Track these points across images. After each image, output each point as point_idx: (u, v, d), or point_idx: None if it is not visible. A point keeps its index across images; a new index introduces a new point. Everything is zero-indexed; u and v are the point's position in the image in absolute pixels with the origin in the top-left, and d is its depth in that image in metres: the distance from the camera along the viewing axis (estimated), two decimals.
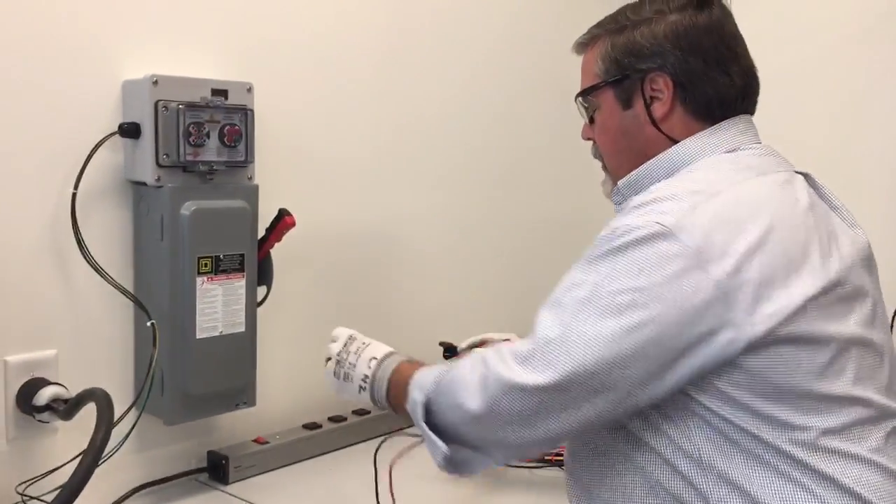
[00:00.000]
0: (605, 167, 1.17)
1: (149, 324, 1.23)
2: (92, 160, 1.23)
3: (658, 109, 1.06)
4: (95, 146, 1.23)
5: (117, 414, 1.16)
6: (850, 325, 0.96)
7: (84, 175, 1.22)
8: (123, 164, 1.29)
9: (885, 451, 0.96)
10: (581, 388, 0.92)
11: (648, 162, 1.08)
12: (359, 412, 1.63)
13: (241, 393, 1.38)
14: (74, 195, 1.22)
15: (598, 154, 1.17)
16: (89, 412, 1.08)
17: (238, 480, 1.42)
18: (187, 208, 1.26)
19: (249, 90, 1.35)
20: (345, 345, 1.24)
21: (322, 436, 1.57)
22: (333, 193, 1.62)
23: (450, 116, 1.82)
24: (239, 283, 1.34)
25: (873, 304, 1.02)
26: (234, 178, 1.35)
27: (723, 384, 0.93)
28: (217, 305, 1.31)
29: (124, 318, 1.32)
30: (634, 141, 1.09)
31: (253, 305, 1.37)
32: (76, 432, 1.15)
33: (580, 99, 1.15)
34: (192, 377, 1.29)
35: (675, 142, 1.07)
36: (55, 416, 1.16)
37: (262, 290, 1.40)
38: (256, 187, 1.37)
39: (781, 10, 1.94)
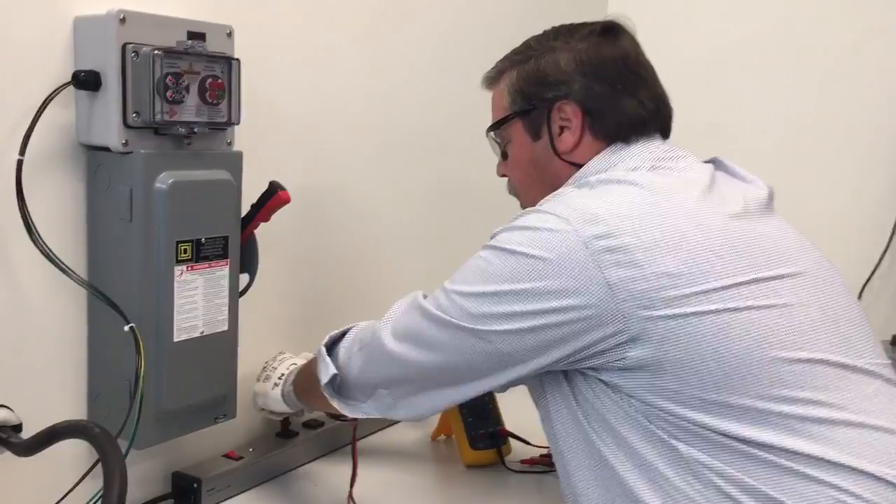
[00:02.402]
0: (522, 204, 1.12)
1: (127, 328, 0.97)
2: (42, 118, 0.96)
3: (568, 139, 1.03)
4: (46, 100, 0.96)
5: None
6: None
7: (30, 137, 0.95)
8: (76, 124, 1.02)
9: None
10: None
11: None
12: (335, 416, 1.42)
13: (221, 404, 1.15)
14: (20, 163, 0.94)
15: (513, 190, 1.15)
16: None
17: None
18: (164, 181, 1.01)
19: (230, 34, 1.10)
20: (276, 356, 1.29)
21: (300, 445, 1.35)
22: (319, 162, 1.39)
23: (463, 70, 1.61)
24: (222, 272, 1.10)
25: None
26: (212, 144, 1.10)
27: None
28: (197, 300, 1.07)
29: (76, 316, 1.05)
30: (545, 172, 1.06)
31: (235, 296, 1.13)
32: (31, 462, 0.90)
33: (492, 134, 1.13)
34: (167, 389, 1.05)
35: None
36: (3, 449, 0.89)
37: (243, 280, 1.17)
38: (240, 155, 1.12)
39: None
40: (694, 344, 0.85)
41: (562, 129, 1.03)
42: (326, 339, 1.11)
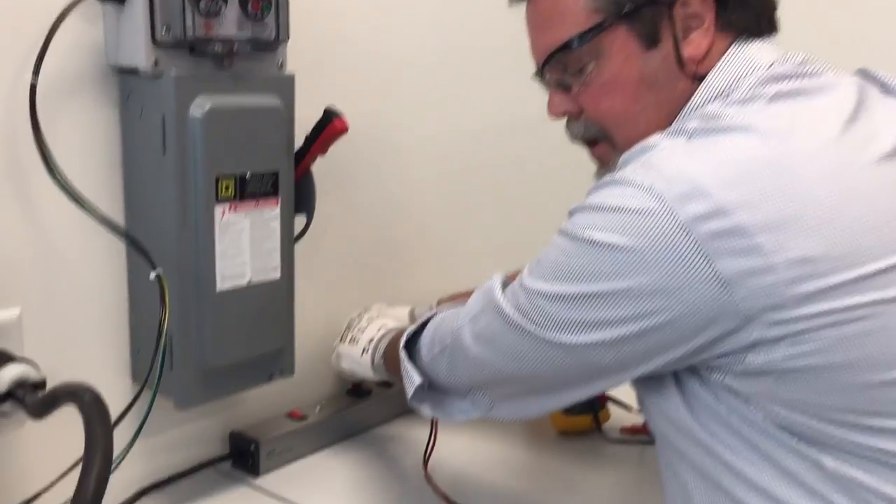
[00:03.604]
0: (618, 144, 0.82)
1: (153, 275, 0.85)
2: (57, 34, 0.84)
3: (699, 42, 0.78)
4: (61, 15, 0.84)
5: (110, 395, 0.81)
6: None
7: (46, 56, 0.83)
8: (104, 42, 0.90)
9: None
10: None
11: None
12: None
13: (276, 360, 1.03)
14: (34, 86, 0.83)
15: (590, 132, 0.85)
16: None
17: (271, 470, 1.08)
18: (200, 106, 0.88)
19: None
20: (359, 313, 1.17)
21: (373, 406, 1.23)
22: (388, 90, 1.24)
23: None
24: (271, 213, 0.96)
25: None
26: (260, 66, 0.96)
27: None
28: (243, 244, 0.94)
29: (113, 263, 0.95)
30: (663, 92, 0.79)
31: (289, 242, 1.00)
32: (55, 427, 0.80)
33: (559, 56, 0.81)
34: (211, 344, 0.93)
35: None
36: (19, 409, 0.80)
37: (299, 222, 1.04)
38: (291, 78, 0.98)
39: None
40: (841, 349, 0.64)
41: (687, 30, 0.78)
42: (404, 338, 0.95)
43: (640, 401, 0.80)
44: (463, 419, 0.90)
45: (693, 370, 0.72)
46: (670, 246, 0.65)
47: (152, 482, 1.01)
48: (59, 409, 0.72)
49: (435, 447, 1.10)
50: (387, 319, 1.14)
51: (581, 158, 0.91)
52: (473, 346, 0.81)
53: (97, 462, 0.55)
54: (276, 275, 0.98)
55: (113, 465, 0.81)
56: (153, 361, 0.87)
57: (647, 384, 0.77)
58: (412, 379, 0.90)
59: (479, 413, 0.88)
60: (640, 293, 0.67)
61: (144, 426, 0.98)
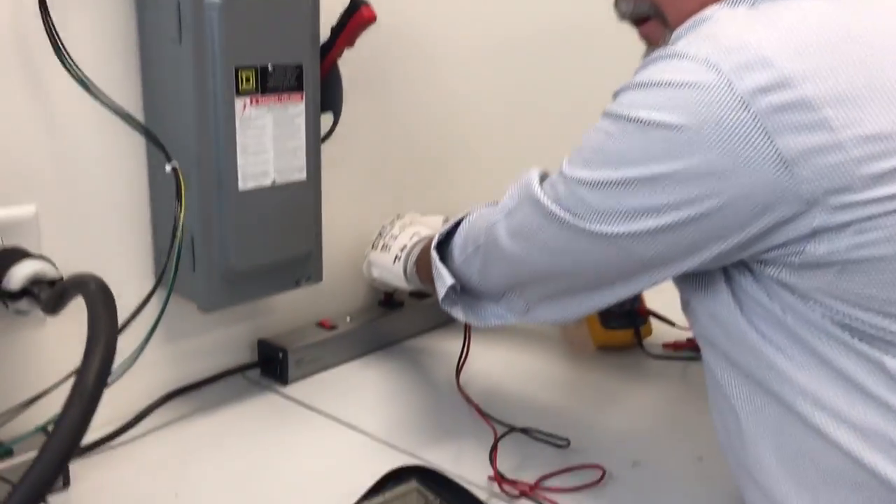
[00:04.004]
0: (656, 24, 0.77)
1: (168, 168, 0.81)
2: None
3: None
4: None
5: (133, 297, 0.79)
6: None
7: None
8: None
9: None
10: None
11: None
12: None
13: (303, 265, 0.99)
14: None
15: (640, 7, 0.78)
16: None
17: (300, 379, 1.06)
18: None
19: None
20: (392, 220, 1.13)
21: (405, 317, 1.19)
22: None
23: None
24: (296, 108, 0.91)
25: None
26: None
27: None
28: (266, 140, 0.89)
29: (133, 160, 0.91)
30: None
31: (316, 142, 0.95)
32: (75, 324, 0.78)
33: None
34: (234, 246, 0.90)
35: None
36: (36, 306, 0.77)
37: (325, 121, 0.98)
38: None
39: None
40: None
41: None
42: (436, 237, 0.90)
43: (685, 303, 0.74)
44: (497, 323, 0.85)
45: (745, 265, 0.66)
46: (726, 122, 0.58)
47: (179, 387, 0.99)
48: (69, 302, 0.69)
49: (468, 359, 1.06)
50: (420, 227, 1.10)
51: (632, 66, 0.84)
52: (509, 243, 0.76)
53: (99, 351, 0.52)
54: (302, 175, 0.93)
55: (129, 362, 0.80)
56: (168, 258, 0.83)
57: (694, 282, 0.71)
58: (444, 279, 0.86)
59: (514, 317, 0.83)
60: (691, 176, 0.61)
61: (170, 330, 0.97)
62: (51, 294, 0.72)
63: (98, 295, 0.58)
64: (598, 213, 0.66)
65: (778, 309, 0.64)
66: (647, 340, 1.17)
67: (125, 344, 0.79)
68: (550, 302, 0.78)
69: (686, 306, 0.74)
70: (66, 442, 0.48)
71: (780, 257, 0.62)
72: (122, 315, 0.80)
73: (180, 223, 0.80)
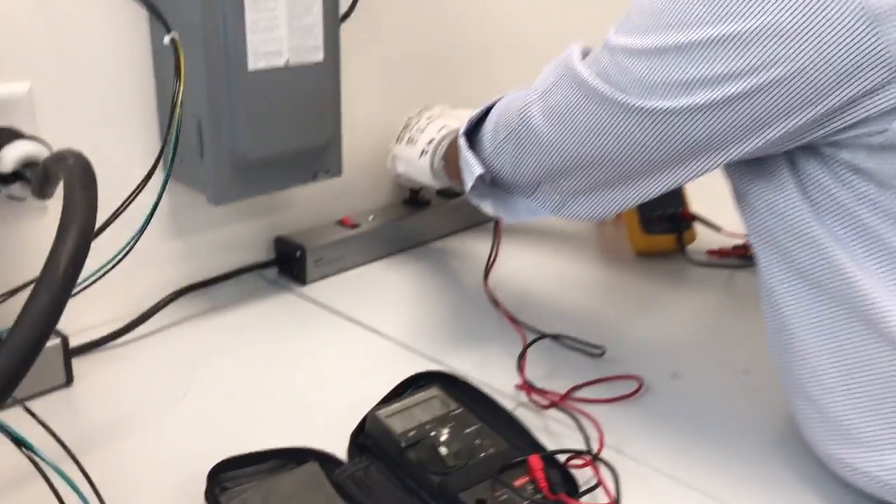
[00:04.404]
0: None
1: (167, 39, 0.73)
2: None
3: None
4: None
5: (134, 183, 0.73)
6: None
7: None
8: None
9: None
10: None
11: None
12: None
13: (321, 157, 0.92)
14: None
15: None
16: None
17: (319, 279, 1.00)
18: None
19: None
20: (419, 111, 1.05)
21: (432, 216, 1.12)
22: None
23: None
24: None
25: None
26: None
27: None
28: (279, 18, 0.81)
29: (136, 36, 0.83)
30: None
31: (334, 20, 0.86)
32: None
33: None
34: (245, 132, 0.83)
35: None
36: (28, 190, 0.71)
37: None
38: None
39: None
40: None
41: None
42: (464, 125, 0.81)
43: (740, 196, 0.66)
44: (529, 217, 0.78)
45: (812, 149, 0.58)
46: None
47: (192, 283, 0.94)
48: (58, 183, 0.62)
49: (497, 261, 1.00)
50: (449, 119, 1.01)
51: None
52: (545, 125, 0.68)
53: (73, 232, 0.45)
54: (319, 56, 0.85)
55: (121, 252, 0.74)
56: (167, 136, 0.76)
57: (750, 170, 0.62)
58: (472, 169, 0.78)
59: (547, 211, 0.75)
60: (756, 37, 0.52)
61: (180, 224, 0.92)
62: (35, 174, 0.65)
63: (75, 169, 0.51)
64: (646, 86, 0.58)
65: (850, 199, 0.56)
66: (691, 247, 1.09)
67: (126, 232, 0.73)
68: (587, 195, 0.70)
69: (742, 199, 0.66)
70: (29, 338, 0.42)
71: (858, 138, 0.54)
72: (120, 200, 0.75)
73: (178, 99, 0.73)
